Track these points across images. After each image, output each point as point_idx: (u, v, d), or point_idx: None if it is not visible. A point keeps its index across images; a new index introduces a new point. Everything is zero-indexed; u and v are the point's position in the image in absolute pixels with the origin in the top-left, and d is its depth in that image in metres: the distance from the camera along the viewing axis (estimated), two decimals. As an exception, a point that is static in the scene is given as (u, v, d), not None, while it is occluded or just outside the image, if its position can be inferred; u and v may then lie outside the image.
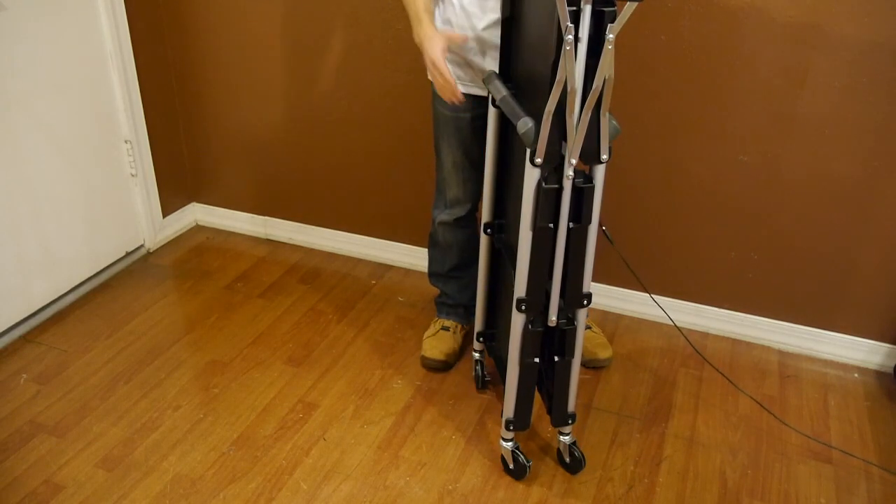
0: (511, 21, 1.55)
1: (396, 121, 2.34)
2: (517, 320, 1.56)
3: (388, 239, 2.57)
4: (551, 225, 1.46)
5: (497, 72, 1.63)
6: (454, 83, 1.57)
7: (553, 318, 1.56)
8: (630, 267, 2.20)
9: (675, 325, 2.24)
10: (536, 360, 1.60)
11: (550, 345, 1.62)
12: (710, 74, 1.95)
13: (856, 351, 2.14)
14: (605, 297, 2.34)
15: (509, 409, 1.67)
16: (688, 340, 2.21)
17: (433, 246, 2.08)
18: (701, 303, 2.24)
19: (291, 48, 2.36)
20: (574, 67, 1.27)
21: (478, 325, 1.95)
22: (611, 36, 1.24)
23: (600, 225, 1.93)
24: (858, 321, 2.11)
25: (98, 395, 1.96)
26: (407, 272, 2.55)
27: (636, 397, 1.99)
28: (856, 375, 2.11)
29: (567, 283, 1.52)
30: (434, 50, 1.56)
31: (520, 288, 1.52)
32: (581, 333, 1.59)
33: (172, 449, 1.79)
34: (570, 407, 1.67)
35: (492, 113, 1.64)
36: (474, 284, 2.11)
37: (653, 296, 2.24)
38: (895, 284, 2.03)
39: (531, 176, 1.41)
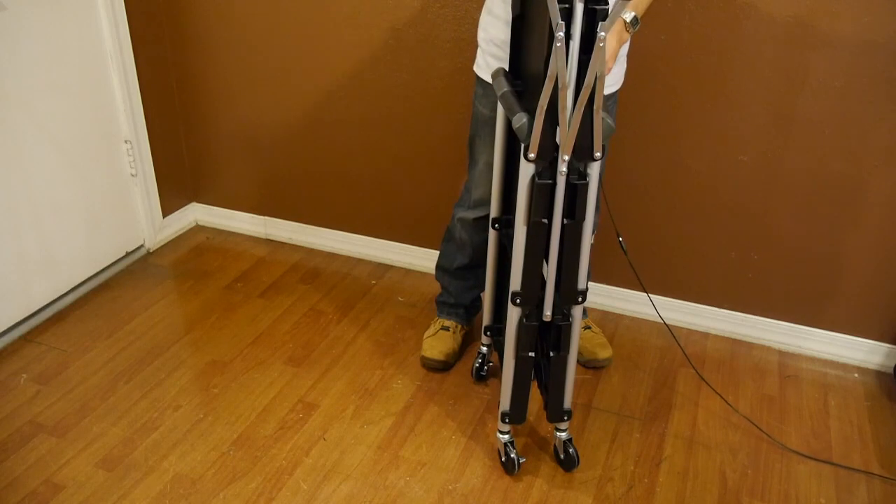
0: (521, 19, 1.55)
1: (396, 120, 2.34)
2: (513, 314, 1.57)
3: (388, 239, 2.57)
4: (545, 220, 1.47)
5: (507, 69, 1.64)
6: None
7: (548, 314, 1.57)
8: (636, 272, 2.20)
9: (668, 328, 2.24)
10: (532, 353, 1.61)
11: (548, 340, 1.63)
12: (710, 74, 1.95)
13: (856, 351, 2.14)
14: (605, 297, 2.34)
15: (505, 401, 1.69)
16: (678, 343, 2.21)
17: (448, 241, 2.07)
18: (701, 303, 2.24)
19: (291, 48, 2.36)
20: (564, 64, 1.28)
21: (486, 318, 1.95)
22: (602, 34, 1.25)
23: (617, 235, 1.94)
24: (859, 321, 2.11)
25: (98, 395, 1.96)
26: (407, 272, 2.55)
27: (636, 397, 1.99)
28: (856, 375, 2.11)
29: (561, 280, 1.53)
30: None
31: (515, 282, 1.54)
32: (577, 330, 1.59)
33: (172, 449, 1.79)
34: (567, 403, 1.68)
35: (500, 109, 1.65)
36: (478, 286, 2.11)
37: (650, 297, 2.25)
38: (895, 284, 2.03)
39: (526, 170, 1.43)
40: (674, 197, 2.13)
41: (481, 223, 1.94)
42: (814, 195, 2.00)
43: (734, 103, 1.96)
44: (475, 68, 1.78)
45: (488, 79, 1.73)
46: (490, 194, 1.89)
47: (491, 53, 1.71)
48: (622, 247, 1.89)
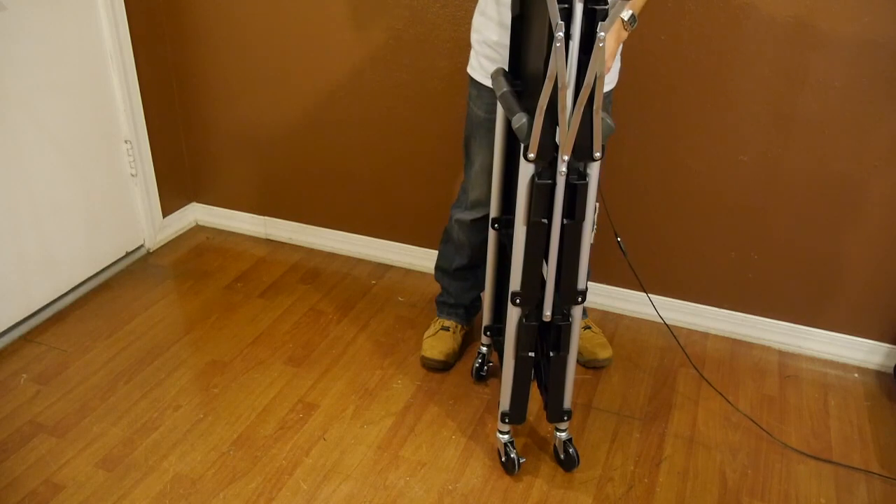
0: (521, 19, 1.55)
1: (396, 120, 2.34)
2: (512, 314, 1.57)
3: (388, 239, 2.57)
4: (545, 220, 1.46)
5: (507, 69, 1.64)
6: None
7: (547, 314, 1.57)
8: (635, 272, 2.20)
9: (668, 327, 2.24)
10: (531, 353, 1.61)
11: (548, 340, 1.63)
12: (710, 74, 1.95)
13: (856, 351, 2.14)
14: (605, 297, 2.34)
15: (505, 401, 1.68)
16: (678, 342, 2.22)
17: (446, 242, 2.07)
18: (701, 303, 2.24)
19: (291, 48, 2.36)
20: (564, 64, 1.28)
21: (486, 319, 1.95)
22: (602, 34, 1.25)
23: (615, 235, 1.94)
24: (859, 321, 2.11)
25: (98, 395, 1.96)
26: (407, 272, 2.55)
27: (636, 397, 1.99)
28: (856, 375, 2.11)
29: (561, 280, 1.53)
30: None
31: (514, 282, 1.54)
32: (576, 330, 1.59)
33: (172, 449, 1.79)
34: (566, 403, 1.68)
35: (500, 109, 1.65)
36: (477, 287, 2.11)
37: (650, 296, 2.25)
38: (895, 284, 2.03)
39: (525, 171, 1.43)
40: (674, 197, 2.13)
41: (479, 224, 1.94)
42: (814, 195, 2.00)
43: (734, 103, 1.96)
44: (469, 70, 1.79)
45: (482, 80, 1.74)
46: (487, 195, 1.89)
47: (484, 55, 1.71)
48: (621, 247, 1.90)
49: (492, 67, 1.71)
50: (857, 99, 1.86)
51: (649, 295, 2.24)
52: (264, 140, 2.57)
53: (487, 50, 1.69)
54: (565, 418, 1.70)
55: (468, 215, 1.94)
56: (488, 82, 1.73)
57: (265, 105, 2.50)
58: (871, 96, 1.84)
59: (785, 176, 2.00)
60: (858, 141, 1.90)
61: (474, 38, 1.74)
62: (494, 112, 1.76)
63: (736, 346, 2.21)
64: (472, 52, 1.76)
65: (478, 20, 1.71)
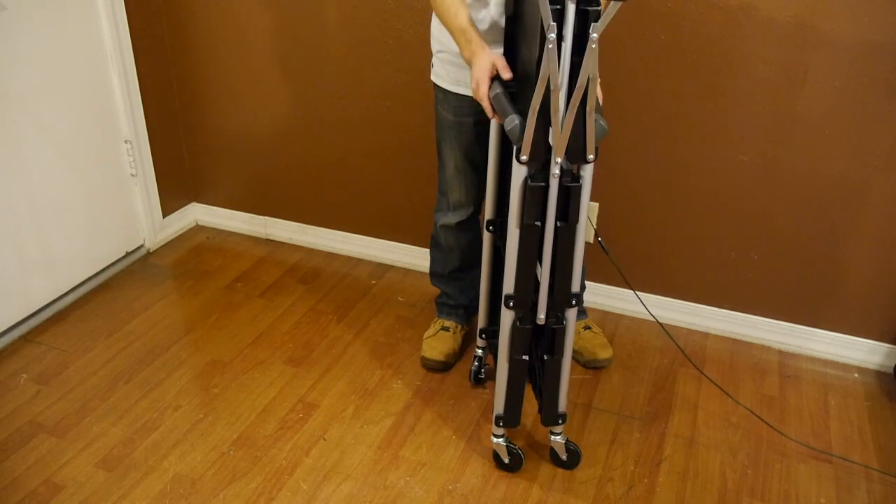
0: (514, 20, 1.55)
1: (396, 121, 2.34)
2: (506, 317, 1.57)
3: (388, 239, 2.57)
4: (538, 223, 1.46)
5: None
6: (490, 109, 1.51)
7: (541, 317, 1.56)
8: (621, 272, 2.20)
9: (659, 323, 2.24)
10: (525, 357, 1.60)
11: (542, 343, 1.63)
12: (710, 74, 1.95)
13: (856, 351, 2.14)
14: (606, 297, 2.34)
15: (499, 405, 1.68)
16: (671, 337, 2.21)
17: (435, 247, 2.08)
18: (701, 303, 2.24)
19: (291, 48, 2.36)
20: (556, 65, 1.28)
21: (481, 321, 1.95)
22: (594, 35, 1.25)
23: (597, 235, 1.94)
24: (858, 321, 2.11)
25: (98, 395, 1.96)
26: (407, 272, 2.55)
27: (636, 397, 1.99)
28: (856, 375, 2.11)
29: (555, 283, 1.52)
30: (479, 69, 1.49)
31: (508, 285, 1.53)
32: (571, 333, 1.59)
33: (172, 449, 1.79)
34: (561, 407, 1.67)
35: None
36: (476, 286, 2.11)
37: (638, 294, 2.25)
38: (895, 284, 2.03)
39: (518, 173, 1.43)
40: (674, 197, 2.13)
41: (465, 225, 1.95)
42: (814, 195, 2.00)
43: (734, 103, 1.96)
44: (433, 78, 1.80)
45: (448, 87, 1.76)
46: (467, 196, 1.90)
47: (449, 62, 1.72)
48: (602, 246, 1.89)
49: (457, 73, 1.72)
50: (857, 99, 1.86)
51: (637, 292, 2.23)
52: (264, 140, 2.57)
53: (453, 58, 1.70)
54: (560, 422, 1.69)
55: (453, 218, 1.94)
56: (455, 89, 1.75)
57: (265, 105, 2.50)
58: (871, 96, 1.84)
59: (785, 176, 2.00)
60: (858, 141, 1.90)
61: (436, 46, 1.75)
62: (462, 114, 1.77)
63: (736, 346, 2.21)
64: (435, 60, 1.77)
65: (439, 30, 1.71)
